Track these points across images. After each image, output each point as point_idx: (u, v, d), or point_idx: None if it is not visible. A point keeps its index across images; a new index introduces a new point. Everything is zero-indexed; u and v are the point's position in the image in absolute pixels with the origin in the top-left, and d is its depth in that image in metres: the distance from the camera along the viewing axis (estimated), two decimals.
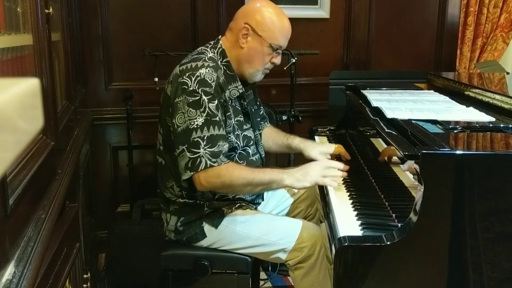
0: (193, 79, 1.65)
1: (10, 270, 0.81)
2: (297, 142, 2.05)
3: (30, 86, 0.42)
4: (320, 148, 2.01)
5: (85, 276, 1.63)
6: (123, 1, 2.78)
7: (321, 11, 3.02)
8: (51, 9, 1.39)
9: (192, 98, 1.63)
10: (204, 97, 1.63)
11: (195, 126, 1.62)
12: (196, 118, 1.62)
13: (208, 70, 1.68)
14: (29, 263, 0.85)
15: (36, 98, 0.43)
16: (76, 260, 1.43)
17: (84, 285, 1.60)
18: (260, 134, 2.01)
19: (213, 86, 1.66)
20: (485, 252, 1.24)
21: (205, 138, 1.62)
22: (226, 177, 1.63)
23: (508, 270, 1.25)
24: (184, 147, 1.63)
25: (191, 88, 1.63)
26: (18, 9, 1.09)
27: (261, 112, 2.12)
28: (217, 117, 1.65)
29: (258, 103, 2.07)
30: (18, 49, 1.07)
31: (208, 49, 1.81)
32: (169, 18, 2.83)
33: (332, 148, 2.01)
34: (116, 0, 2.76)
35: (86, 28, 2.73)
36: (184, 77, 1.66)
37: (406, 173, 1.47)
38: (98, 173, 2.87)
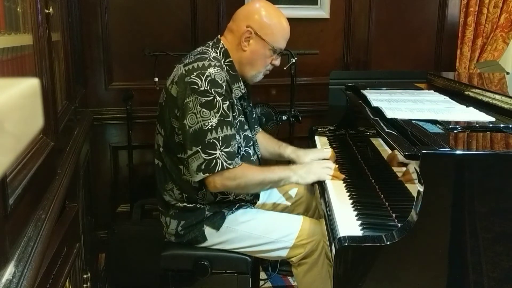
0: (203, 78, 1.62)
1: (10, 270, 0.81)
2: (289, 152, 2.07)
3: (30, 86, 0.42)
4: (311, 155, 2.03)
5: (85, 276, 1.63)
6: (123, 1, 2.78)
7: (321, 11, 3.02)
8: (51, 9, 1.39)
9: (205, 99, 1.61)
10: (218, 97, 1.62)
11: (210, 127, 1.61)
12: (210, 119, 1.61)
13: (217, 70, 1.66)
14: (29, 263, 0.85)
15: (36, 98, 0.43)
16: (76, 260, 1.43)
17: (84, 285, 1.60)
18: (255, 135, 2.02)
19: (224, 86, 1.65)
20: (485, 252, 1.24)
21: (220, 139, 1.61)
22: (242, 180, 1.66)
23: (508, 270, 1.25)
24: (198, 148, 1.61)
25: (203, 88, 1.62)
26: (18, 9, 1.09)
27: (254, 114, 2.12)
28: (230, 117, 1.65)
29: (251, 104, 2.08)
30: (18, 49, 1.07)
31: (210, 49, 1.80)
32: (169, 18, 2.83)
33: (325, 153, 2.03)
34: (116, 0, 2.76)
35: (86, 28, 2.73)
36: (192, 77, 1.64)
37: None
38: (98, 173, 2.87)
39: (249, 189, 1.75)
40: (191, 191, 1.75)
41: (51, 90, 1.36)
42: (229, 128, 1.64)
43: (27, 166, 0.99)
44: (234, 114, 1.75)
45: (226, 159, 1.61)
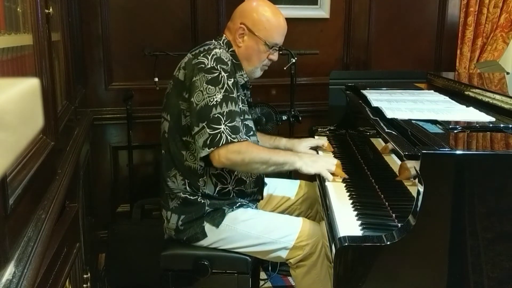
0: (209, 57, 1.71)
1: (10, 270, 0.81)
2: (284, 142, 2.16)
3: (30, 86, 0.42)
4: (306, 143, 2.12)
5: (85, 276, 1.63)
6: (123, 1, 2.78)
7: (321, 11, 3.02)
8: (51, 9, 1.39)
9: (211, 76, 1.68)
10: (223, 73, 1.69)
11: (215, 103, 1.66)
12: (215, 95, 1.66)
13: (222, 51, 1.76)
14: (29, 263, 0.85)
15: (36, 98, 0.43)
16: (76, 260, 1.43)
17: (84, 285, 1.60)
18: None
19: (229, 64, 1.73)
20: (485, 252, 1.24)
21: (224, 113, 1.66)
22: (246, 155, 1.67)
23: (508, 270, 1.25)
24: (204, 123, 1.66)
25: (209, 66, 1.69)
26: (18, 9, 1.09)
27: (255, 116, 2.17)
28: (234, 94, 1.71)
29: (253, 111, 2.11)
30: (18, 49, 1.07)
31: (213, 41, 1.89)
32: (169, 18, 2.83)
33: (319, 141, 2.14)
34: (116, 0, 2.76)
35: (86, 28, 2.73)
36: (199, 58, 1.72)
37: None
38: (98, 173, 2.87)
39: (252, 166, 1.73)
40: (193, 177, 1.78)
41: (51, 90, 1.36)
42: (233, 104, 1.69)
43: (27, 166, 0.99)
44: (238, 94, 1.80)
45: (230, 133, 1.64)
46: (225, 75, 1.69)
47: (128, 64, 2.82)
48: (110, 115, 2.83)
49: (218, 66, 1.69)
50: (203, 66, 1.69)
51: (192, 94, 1.69)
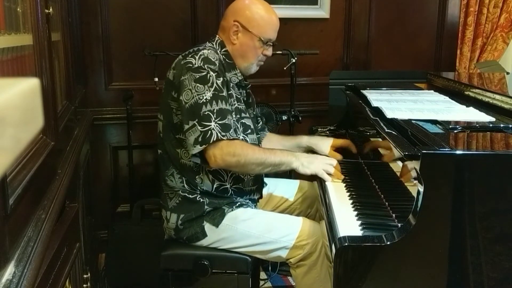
0: (197, 58, 1.73)
1: (10, 270, 0.81)
2: (306, 139, 2.15)
3: (30, 86, 0.42)
4: (329, 142, 2.09)
5: (85, 276, 1.63)
6: (123, 1, 2.78)
7: (321, 11, 3.01)
8: (51, 9, 1.39)
9: (199, 74, 1.70)
10: (211, 72, 1.71)
11: (204, 101, 1.67)
12: (204, 93, 1.68)
13: (210, 51, 1.78)
14: (29, 263, 0.85)
15: (36, 98, 0.43)
16: (76, 260, 1.43)
17: (84, 285, 1.60)
18: (259, 138, 2.02)
19: (217, 64, 1.75)
20: (485, 252, 1.24)
21: (215, 111, 1.67)
22: (241, 157, 1.68)
23: (508, 270, 1.25)
24: (194, 121, 1.67)
25: (196, 65, 1.71)
26: (18, 9, 1.09)
27: (260, 122, 2.16)
28: (224, 93, 1.73)
29: (255, 112, 2.09)
30: (18, 49, 1.07)
31: (206, 43, 1.90)
32: (169, 18, 2.83)
33: (340, 141, 2.10)
34: (116, 0, 2.76)
35: (86, 28, 2.73)
36: (187, 58, 1.75)
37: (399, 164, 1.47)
38: (98, 173, 2.87)
39: (248, 168, 1.75)
40: (189, 175, 1.79)
41: (51, 90, 1.36)
42: (223, 102, 1.70)
43: (27, 166, 0.99)
44: (230, 92, 1.82)
45: (220, 131, 1.66)
46: (213, 74, 1.71)
47: (128, 64, 2.82)
48: (110, 115, 2.83)
49: (206, 66, 1.71)
50: (191, 65, 1.72)
51: (181, 92, 1.71)
